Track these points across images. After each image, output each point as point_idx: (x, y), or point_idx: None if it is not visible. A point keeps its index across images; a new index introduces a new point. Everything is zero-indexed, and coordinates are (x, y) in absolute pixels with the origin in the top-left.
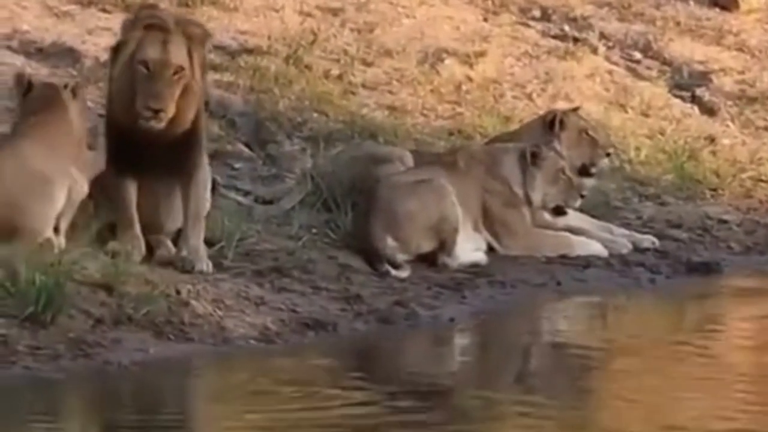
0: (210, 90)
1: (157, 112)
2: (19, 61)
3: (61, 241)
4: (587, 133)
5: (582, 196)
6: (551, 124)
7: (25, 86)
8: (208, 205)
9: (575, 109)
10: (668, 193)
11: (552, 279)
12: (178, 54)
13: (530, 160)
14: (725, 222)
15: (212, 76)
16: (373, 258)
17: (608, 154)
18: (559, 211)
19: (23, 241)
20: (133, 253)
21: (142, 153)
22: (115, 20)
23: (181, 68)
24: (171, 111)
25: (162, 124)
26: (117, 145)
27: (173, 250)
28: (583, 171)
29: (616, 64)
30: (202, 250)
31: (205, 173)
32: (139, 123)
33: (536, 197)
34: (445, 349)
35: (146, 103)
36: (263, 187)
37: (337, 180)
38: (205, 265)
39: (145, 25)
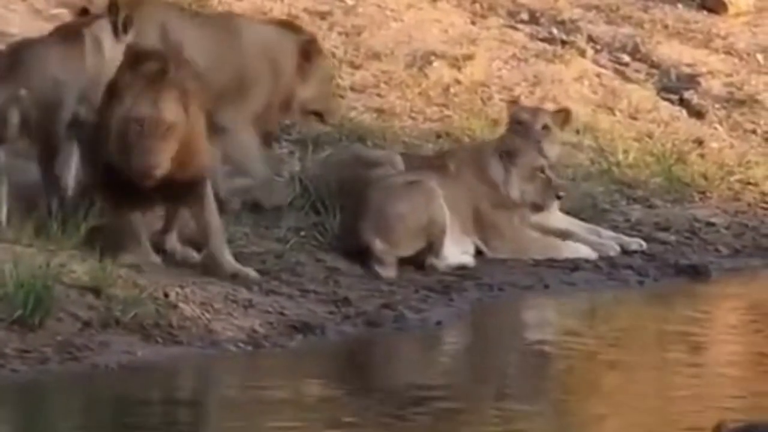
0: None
1: (149, 169)
2: None
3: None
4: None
5: (559, 197)
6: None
7: None
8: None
9: (566, 114)
10: (656, 196)
11: (540, 281)
12: (171, 110)
13: (504, 156)
14: (713, 225)
15: None
16: (364, 258)
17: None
18: (536, 209)
19: None
20: (149, 263)
21: (142, 194)
22: None
23: (174, 124)
24: (164, 167)
25: (155, 181)
26: (116, 186)
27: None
28: None
29: (604, 67)
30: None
31: (210, 196)
32: (134, 177)
33: (514, 194)
34: (432, 352)
35: (139, 160)
36: None
37: (326, 183)
38: (251, 270)
39: (141, 78)
